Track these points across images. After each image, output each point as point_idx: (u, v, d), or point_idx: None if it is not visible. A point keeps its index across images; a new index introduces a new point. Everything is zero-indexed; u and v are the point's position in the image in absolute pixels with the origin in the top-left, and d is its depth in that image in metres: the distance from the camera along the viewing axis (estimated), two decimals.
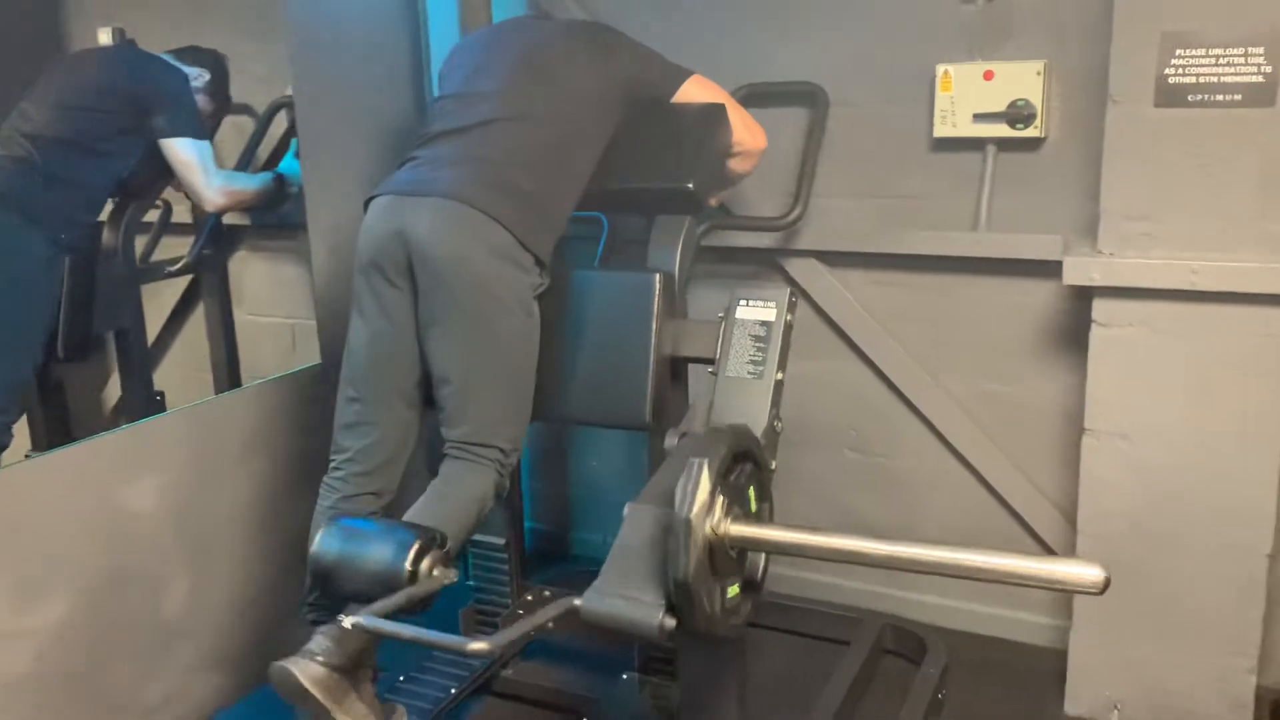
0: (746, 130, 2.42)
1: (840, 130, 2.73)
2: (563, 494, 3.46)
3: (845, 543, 1.70)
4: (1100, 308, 2.35)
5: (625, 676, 2.55)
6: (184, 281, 3.30)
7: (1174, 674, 2.42)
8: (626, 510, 1.82)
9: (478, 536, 2.69)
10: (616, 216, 2.69)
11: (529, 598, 2.85)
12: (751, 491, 1.83)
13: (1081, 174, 2.48)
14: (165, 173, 2.81)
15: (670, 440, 2.06)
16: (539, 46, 2.32)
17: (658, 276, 2.21)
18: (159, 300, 3.25)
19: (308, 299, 3.01)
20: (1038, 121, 2.51)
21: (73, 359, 2.89)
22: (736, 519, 1.72)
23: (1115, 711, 2.49)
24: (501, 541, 2.76)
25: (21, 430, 2.80)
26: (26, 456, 2.68)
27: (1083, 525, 2.47)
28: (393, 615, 1.69)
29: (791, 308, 2.12)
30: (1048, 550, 2.74)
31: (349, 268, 2.58)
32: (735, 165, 2.48)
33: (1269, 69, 2.13)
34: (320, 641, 1.85)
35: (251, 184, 2.96)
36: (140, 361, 3.06)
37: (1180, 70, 2.20)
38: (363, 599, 1.78)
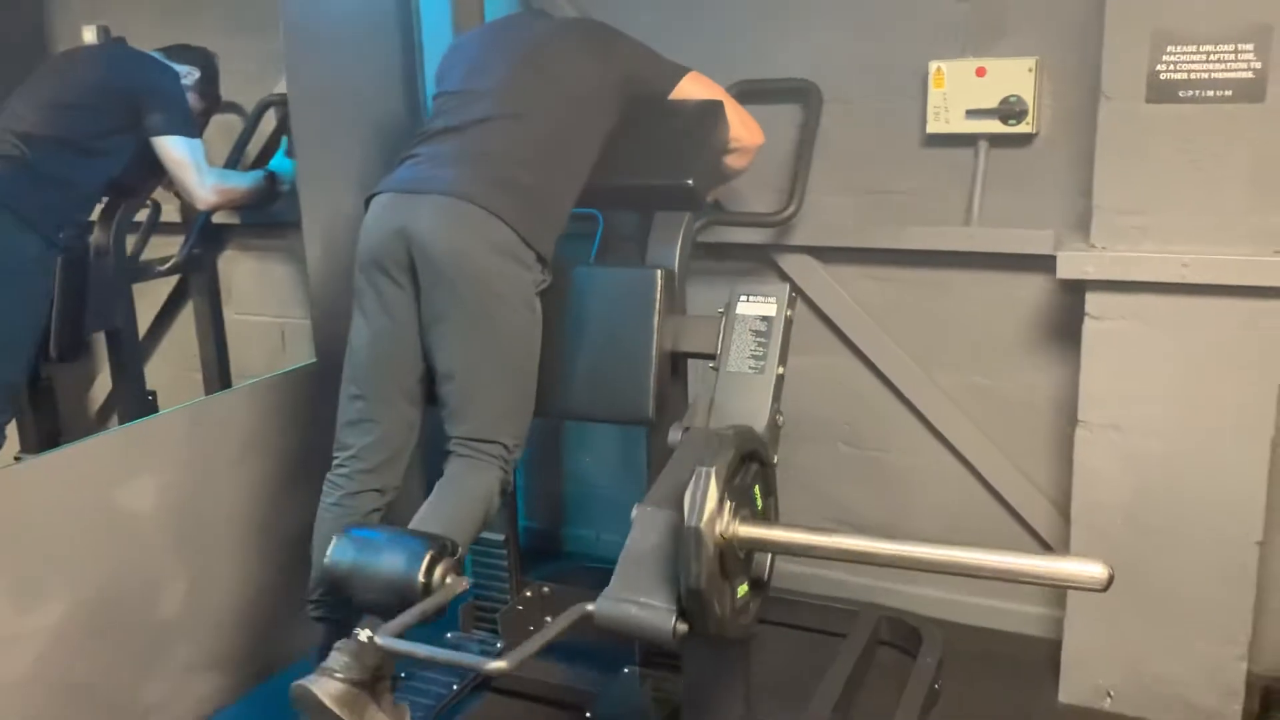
0: (744, 127, 2.44)
1: (834, 127, 2.75)
2: (554, 491, 3.47)
3: (853, 543, 1.72)
4: (1093, 301, 2.37)
5: (626, 671, 2.56)
6: (171, 281, 3.28)
7: (1166, 662, 2.45)
8: (635, 512, 1.83)
9: None
10: (612, 213, 2.70)
11: (527, 594, 2.86)
12: (757, 489, 1.85)
13: (1072, 169, 2.51)
14: (157, 171, 2.80)
15: (674, 435, 2.07)
16: (537, 44, 2.33)
17: (660, 273, 2.22)
18: (145, 300, 3.23)
19: (297, 298, 3.01)
20: (1029, 117, 2.54)
21: (64, 359, 2.88)
22: (744, 520, 1.73)
23: (1108, 699, 2.52)
24: (501, 538, 2.76)
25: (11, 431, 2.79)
26: (16, 458, 2.66)
27: (1076, 516, 2.50)
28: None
29: (792, 303, 2.14)
30: (1040, 541, 2.77)
31: (344, 265, 2.58)
32: (732, 161, 2.50)
33: (1258, 65, 2.16)
34: (338, 658, 1.86)
35: (244, 182, 2.95)
36: (132, 362, 3.04)
37: (1171, 66, 2.23)
38: (378, 610, 1.80)
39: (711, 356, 2.16)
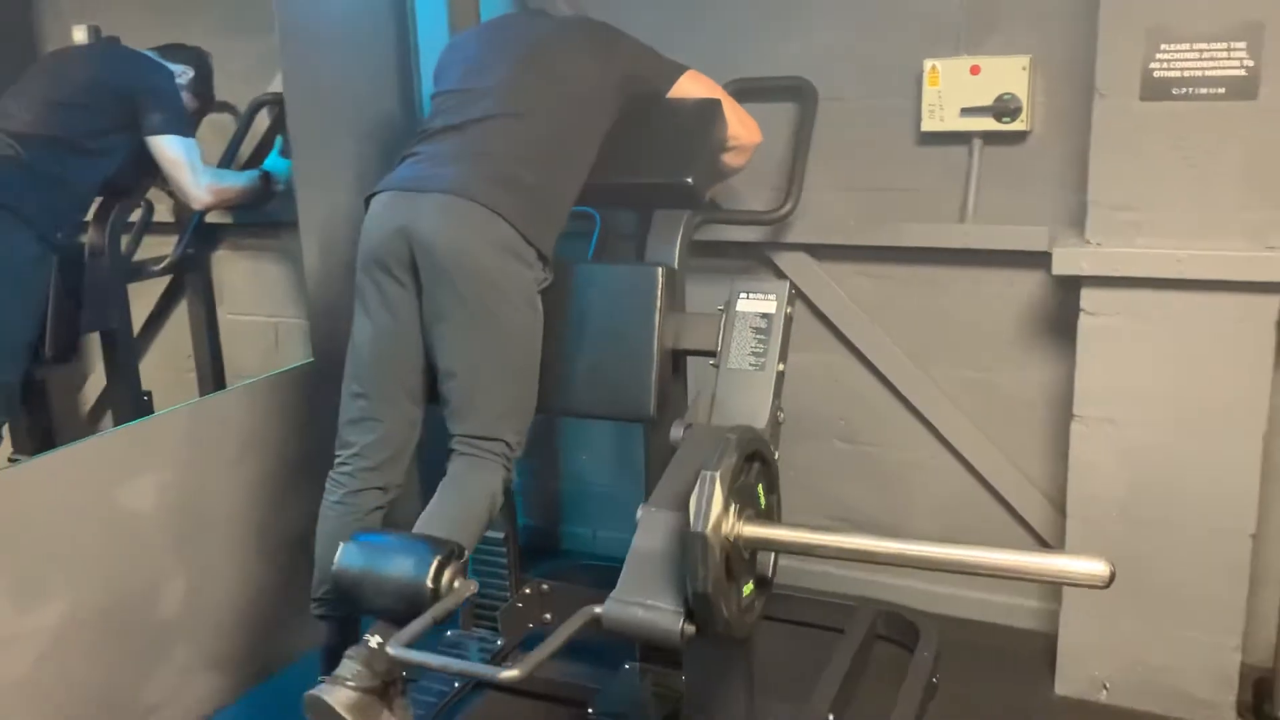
0: (742, 125, 2.45)
1: (829, 125, 2.76)
2: (551, 489, 3.47)
3: (857, 542, 1.73)
4: (1088, 296, 2.40)
5: (627, 666, 2.57)
6: (163, 281, 3.27)
7: (1161, 653, 2.47)
8: (640, 514, 1.83)
9: None
10: (609, 211, 2.71)
11: (527, 591, 2.86)
12: (760, 487, 1.86)
13: (1066, 166, 2.53)
14: (151, 171, 2.80)
15: (676, 432, 2.08)
16: (537, 42, 2.33)
17: (661, 270, 2.23)
18: (138, 300, 3.22)
19: (291, 297, 3.00)
20: (1023, 115, 2.56)
21: (59, 360, 2.87)
22: (749, 520, 1.75)
23: (1104, 691, 2.55)
24: (501, 535, 2.76)
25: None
26: (11, 460, 2.65)
27: (1071, 510, 2.52)
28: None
29: (792, 300, 2.16)
30: (1035, 536, 2.79)
31: (341, 264, 2.58)
32: (730, 159, 2.51)
33: (1251, 63, 2.19)
34: (349, 666, 1.85)
35: (239, 181, 2.94)
36: (128, 362, 3.03)
37: (1165, 64, 2.25)
38: (387, 615, 1.80)
39: (712, 353, 2.17)
